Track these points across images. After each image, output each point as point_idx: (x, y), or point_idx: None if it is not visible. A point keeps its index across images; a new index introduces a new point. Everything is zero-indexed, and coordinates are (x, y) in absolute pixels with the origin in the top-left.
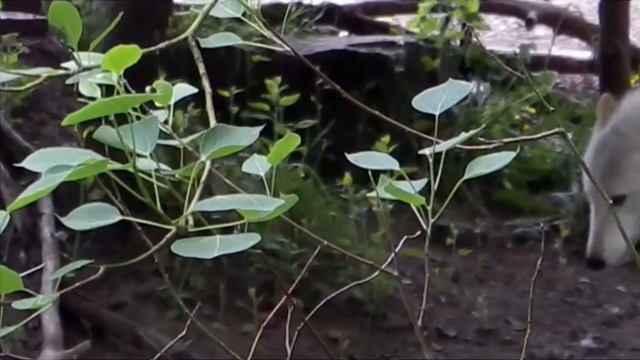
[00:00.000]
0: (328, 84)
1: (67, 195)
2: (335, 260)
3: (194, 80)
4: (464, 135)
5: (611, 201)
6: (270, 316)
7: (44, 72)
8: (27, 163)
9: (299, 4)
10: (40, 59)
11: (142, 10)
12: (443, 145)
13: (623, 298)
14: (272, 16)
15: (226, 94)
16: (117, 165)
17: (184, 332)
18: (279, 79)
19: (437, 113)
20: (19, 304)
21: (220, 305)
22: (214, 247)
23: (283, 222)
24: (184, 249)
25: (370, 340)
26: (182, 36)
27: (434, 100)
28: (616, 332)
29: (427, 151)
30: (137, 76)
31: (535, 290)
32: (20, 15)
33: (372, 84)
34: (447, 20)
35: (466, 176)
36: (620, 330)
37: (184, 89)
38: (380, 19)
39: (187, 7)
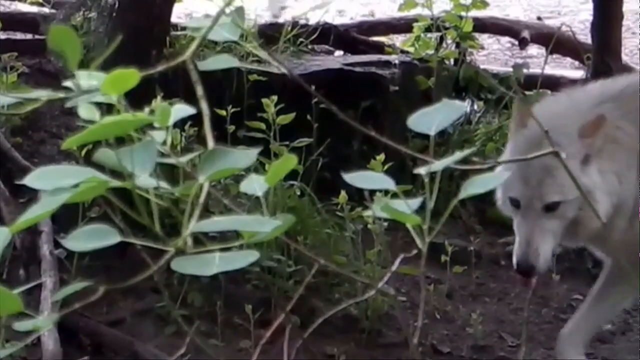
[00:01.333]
0: (324, 103)
1: (66, 213)
2: (331, 277)
3: (191, 98)
4: (458, 155)
5: (544, 208)
6: (268, 333)
7: (43, 94)
8: (28, 181)
9: (295, 24)
10: (40, 78)
11: (140, 30)
12: (438, 165)
13: (616, 315)
14: (269, 36)
15: (223, 112)
16: (117, 183)
17: (183, 349)
18: (275, 98)
19: (432, 133)
20: (20, 326)
21: (217, 322)
22: (213, 264)
23: (280, 240)
24: (183, 266)
25: (366, 356)
26: (181, 59)
27: (428, 120)
28: (609, 348)
29: (422, 170)
30: (135, 95)
31: (529, 306)
32: (19, 35)
33: (367, 102)
34: (442, 39)
35: (461, 196)
36: (613, 346)
37: (181, 110)
38: (375, 38)
39: (183, 28)
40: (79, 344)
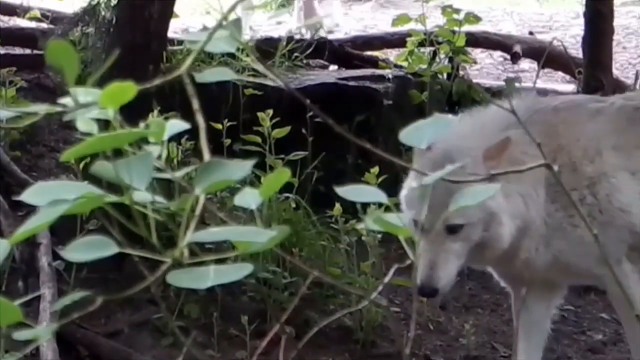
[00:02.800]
0: (319, 116)
1: (65, 225)
2: (326, 288)
3: (188, 113)
4: (448, 168)
5: (447, 230)
6: (264, 343)
7: (41, 109)
8: (26, 196)
9: (290, 39)
10: (38, 93)
11: (136, 46)
12: (429, 178)
13: (607, 325)
14: (264, 50)
15: (219, 126)
16: (114, 198)
17: (180, 358)
18: (270, 111)
19: (423, 147)
20: (19, 335)
21: (214, 333)
22: (208, 277)
23: (275, 252)
24: (178, 279)
25: None
26: (177, 73)
27: (419, 133)
28: (600, 358)
29: (414, 183)
30: (132, 110)
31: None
32: (18, 50)
33: (362, 116)
34: (435, 54)
35: (451, 208)
36: (604, 356)
37: (176, 125)
38: (370, 53)
39: (180, 42)
40: (77, 355)
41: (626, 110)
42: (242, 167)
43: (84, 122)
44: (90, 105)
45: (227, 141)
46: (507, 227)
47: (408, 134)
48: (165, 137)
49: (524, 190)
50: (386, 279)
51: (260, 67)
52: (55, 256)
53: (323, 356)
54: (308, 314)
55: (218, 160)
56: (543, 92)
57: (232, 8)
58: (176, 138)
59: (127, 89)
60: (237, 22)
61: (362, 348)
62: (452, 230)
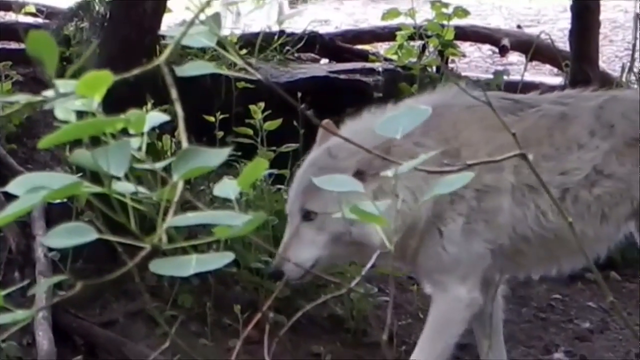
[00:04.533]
0: (310, 109)
1: (60, 218)
2: (317, 278)
3: (182, 107)
4: (423, 157)
5: (303, 216)
6: (248, 329)
7: (22, 98)
8: (11, 187)
9: (282, 33)
10: (33, 87)
11: (130, 41)
12: (404, 167)
13: (594, 313)
14: (255, 44)
15: (212, 119)
16: (94, 188)
17: (166, 344)
18: (262, 104)
19: (398, 137)
20: (1, 319)
21: (207, 322)
22: (190, 265)
23: (268, 242)
24: (161, 267)
25: (352, 355)
26: (155, 63)
27: (395, 124)
28: (587, 346)
29: (389, 173)
30: (125, 104)
31: (509, 306)
32: (13, 45)
33: (352, 109)
34: (424, 47)
35: (427, 195)
36: (591, 344)
37: (156, 117)
38: (360, 46)
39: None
40: (72, 345)
41: (548, 118)
42: (219, 154)
43: (63, 111)
44: (69, 95)
45: (220, 133)
46: (375, 227)
47: (383, 125)
48: (146, 128)
49: (414, 186)
50: (367, 266)
51: (240, 61)
52: (51, 247)
53: (314, 345)
54: (299, 303)
55: (196, 148)
56: (530, 85)
57: (207, 4)
58: (170, 131)
59: (104, 78)
60: (216, 17)
61: (353, 336)
62: (306, 216)
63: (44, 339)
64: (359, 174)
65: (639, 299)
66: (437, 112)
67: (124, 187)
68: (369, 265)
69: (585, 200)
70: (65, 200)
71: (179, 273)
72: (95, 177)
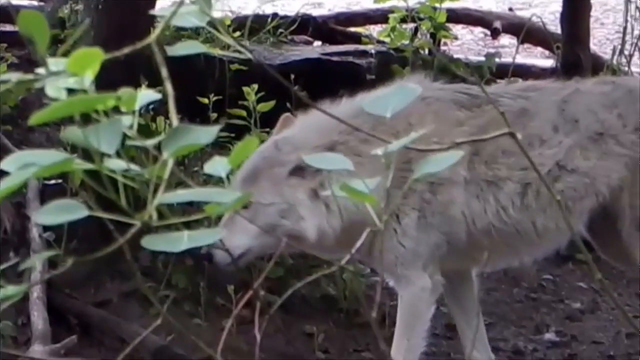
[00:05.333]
0: (303, 91)
1: (54, 199)
2: (310, 259)
3: (176, 87)
4: (413, 136)
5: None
6: (239, 307)
7: (14, 77)
8: (4, 164)
9: (275, 15)
10: (28, 68)
11: (124, 24)
12: (394, 145)
13: (584, 294)
14: (250, 27)
15: (205, 101)
16: (85, 165)
17: (158, 322)
18: (255, 86)
19: (387, 115)
20: None
21: (201, 303)
22: (182, 241)
23: None
24: (153, 243)
25: (344, 335)
26: (145, 42)
27: (384, 103)
28: (578, 326)
29: (379, 151)
30: (119, 86)
31: (501, 286)
32: (8, 27)
33: (345, 90)
34: (416, 30)
35: (416, 175)
36: (581, 324)
37: (147, 95)
38: (353, 29)
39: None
40: (67, 324)
41: (507, 114)
42: (209, 132)
43: (53, 89)
44: (60, 73)
45: (214, 115)
46: (309, 220)
47: (372, 103)
48: (137, 106)
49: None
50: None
51: (231, 41)
52: (46, 228)
53: (307, 325)
54: (293, 284)
55: (185, 126)
56: (522, 67)
57: None
58: (164, 113)
59: (94, 56)
60: None
61: (346, 317)
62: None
63: (38, 318)
64: (299, 169)
65: (629, 279)
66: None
67: (116, 165)
68: (358, 243)
69: (548, 195)
70: (59, 181)
71: (170, 248)
72: (88, 157)
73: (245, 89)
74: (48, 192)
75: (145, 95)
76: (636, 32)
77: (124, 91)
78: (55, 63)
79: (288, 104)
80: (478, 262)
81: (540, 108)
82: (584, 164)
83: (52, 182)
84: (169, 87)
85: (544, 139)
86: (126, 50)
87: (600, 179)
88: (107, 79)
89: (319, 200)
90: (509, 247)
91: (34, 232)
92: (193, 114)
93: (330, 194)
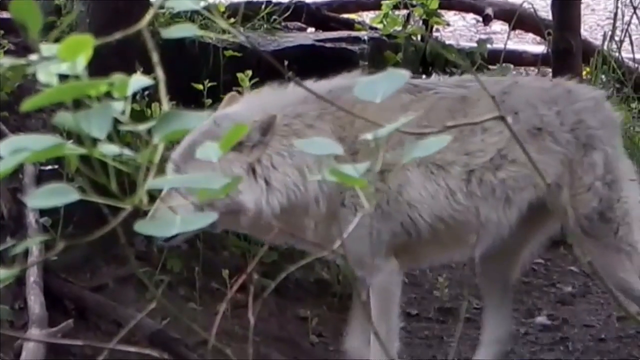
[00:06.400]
0: (296, 77)
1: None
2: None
3: (170, 74)
4: (402, 120)
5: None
6: (233, 291)
7: (7, 61)
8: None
9: (269, 2)
10: (24, 56)
11: (118, 10)
12: (384, 130)
13: (576, 278)
14: (244, 14)
15: (200, 87)
16: (78, 149)
17: (152, 305)
18: (250, 72)
19: (377, 100)
20: None
21: (196, 287)
22: (174, 225)
23: None
24: (146, 227)
25: (337, 319)
26: (137, 27)
27: (374, 88)
28: (569, 309)
29: (369, 136)
30: (114, 72)
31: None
32: (5, 15)
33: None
34: (409, 16)
35: (405, 158)
36: (573, 308)
37: (139, 81)
38: (346, 16)
39: (161, 7)
40: (63, 309)
41: (448, 100)
42: (199, 117)
43: (45, 74)
44: (52, 59)
45: (208, 101)
46: (248, 197)
47: (363, 89)
48: (129, 92)
49: (303, 164)
50: (349, 229)
51: (224, 25)
52: (42, 213)
53: (301, 309)
54: (287, 268)
55: (177, 111)
56: (514, 53)
57: None
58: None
59: (85, 42)
60: None
61: (339, 301)
62: None
63: (35, 303)
64: (239, 143)
65: None
66: (334, 95)
67: (109, 149)
68: (350, 227)
69: (490, 183)
70: (56, 166)
71: (163, 233)
72: (83, 142)
73: (239, 75)
74: (44, 178)
75: (138, 81)
76: (626, 18)
77: (116, 77)
78: (48, 49)
79: None
80: (437, 253)
81: (480, 96)
82: (523, 156)
83: (49, 167)
84: (160, 72)
85: (485, 127)
86: (118, 35)
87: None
88: (101, 66)
89: (257, 175)
90: (457, 237)
91: (31, 218)
92: (188, 100)
93: (268, 171)
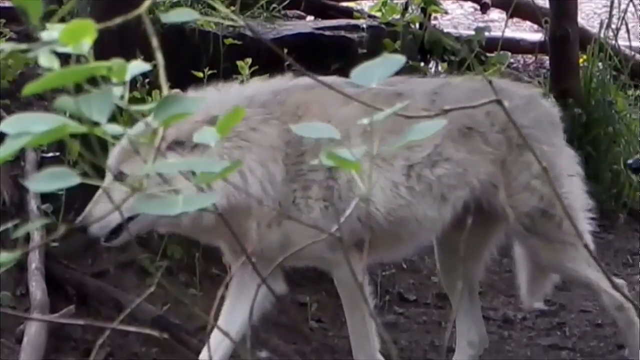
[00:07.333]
0: (295, 66)
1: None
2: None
3: (171, 61)
4: (398, 106)
5: (115, 176)
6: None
7: (7, 46)
8: (3, 126)
9: None
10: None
11: None
12: (381, 115)
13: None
14: (243, 2)
15: (200, 75)
16: (80, 128)
17: (151, 289)
18: (249, 60)
19: (373, 85)
20: None
21: (196, 273)
22: (177, 205)
23: None
24: (148, 207)
25: (336, 305)
26: (137, 12)
27: (370, 73)
28: (566, 295)
29: (365, 120)
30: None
31: (490, 257)
32: (7, 3)
33: (337, 64)
34: (407, 5)
35: (400, 143)
36: (569, 293)
37: (138, 66)
38: (345, 4)
39: None
40: (65, 295)
41: (384, 95)
42: (198, 101)
43: (46, 58)
44: (52, 43)
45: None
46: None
47: (358, 74)
48: (128, 77)
49: (252, 166)
50: (345, 214)
51: (224, 12)
52: (44, 200)
53: (300, 294)
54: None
55: (175, 95)
56: (511, 41)
57: None
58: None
59: (86, 27)
60: None
61: None
62: (117, 177)
63: (37, 289)
64: (179, 143)
65: (617, 249)
66: (279, 99)
67: (112, 129)
68: (347, 212)
69: (428, 180)
70: (57, 153)
71: (166, 212)
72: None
73: (239, 63)
74: (46, 164)
75: (136, 66)
76: (623, 6)
77: (115, 61)
78: (50, 33)
79: None
80: (397, 246)
81: (413, 94)
82: (456, 155)
83: (50, 154)
84: (159, 57)
85: (420, 123)
86: (118, 20)
87: (471, 172)
88: (102, 54)
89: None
90: (398, 234)
91: (32, 204)
92: (188, 87)
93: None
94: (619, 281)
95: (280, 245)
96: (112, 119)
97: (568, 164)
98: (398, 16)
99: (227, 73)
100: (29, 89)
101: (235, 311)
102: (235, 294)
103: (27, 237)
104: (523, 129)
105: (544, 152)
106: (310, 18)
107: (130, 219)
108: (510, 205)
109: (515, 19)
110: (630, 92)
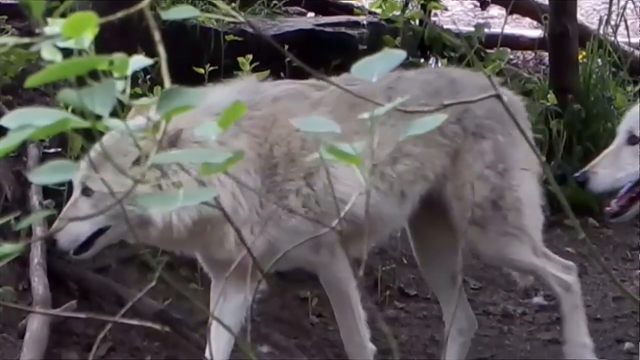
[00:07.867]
0: (296, 62)
1: None
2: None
3: (173, 57)
4: (398, 100)
5: (82, 190)
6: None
7: (10, 40)
8: (4, 121)
9: None
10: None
11: None
12: (382, 109)
13: (572, 258)
14: None
15: (201, 71)
16: (83, 123)
17: (152, 283)
18: (250, 57)
19: (374, 79)
20: None
21: (197, 268)
22: (178, 198)
23: None
24: (150, 201)
25: None
26: (139, 7)
27: (370, 67)
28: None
29: (366, 115)
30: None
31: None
32: (9, 0)
33: (338, 61)
34: (407, 1)
35: (402, 136)
36: None
37: (140, 61)
38: (345, 0)
39: None
40: (67, 289)
41: (347, 97)
42: (200, 94)
43: (49, 51)
44: (55, 37)
45: (209, 85)
46: (157, 211)
47: (359, 68)
48: (129, 72)
49: (212, 178)
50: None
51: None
52: (46, 195)
53: (301, 290)
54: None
55: (177, 88)
56: (511, 37)
57: None
58: (161, 83)
59: (88, 20)
60: None
61: None
62: (84, 192)
63: (39, 284)
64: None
65: (616, 244)
66: (249, 115)
67: (113, 123)
68: (347, 207)
69: (389, 178)
70: (59, 149)
71: (167, 206)
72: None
73: (240, 59)
74: (48, 160)
75: (138, 60)
76: (622, 3)
77: (117, 56)
78: (52, 26)
79: (282, 74)
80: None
81: (370, 93)
82: (414, 149)
83: (52, 150)
84: (161, 50)
85: (381, 121)
86: (120, 14)
87: (427, 164)
88: (104, 50)
89: (164, 190)
90: (363, 233)
91: (34, 200)
92: (189, 84)
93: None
94: (569, 263)
95: (264, 252)
96: (114, 114)
97: (524, 157)
98: (398, 13)
99: (228, 69)
100: (32, 81)
101: (220, 330)
102: (218, 308)
103: (29, 233)
104: (478, 119)
105: (498, 143)
106: (311, 14)
107: (101, 231)
108: (462, 195)
109: (515, 16)
110: (629, 88)
